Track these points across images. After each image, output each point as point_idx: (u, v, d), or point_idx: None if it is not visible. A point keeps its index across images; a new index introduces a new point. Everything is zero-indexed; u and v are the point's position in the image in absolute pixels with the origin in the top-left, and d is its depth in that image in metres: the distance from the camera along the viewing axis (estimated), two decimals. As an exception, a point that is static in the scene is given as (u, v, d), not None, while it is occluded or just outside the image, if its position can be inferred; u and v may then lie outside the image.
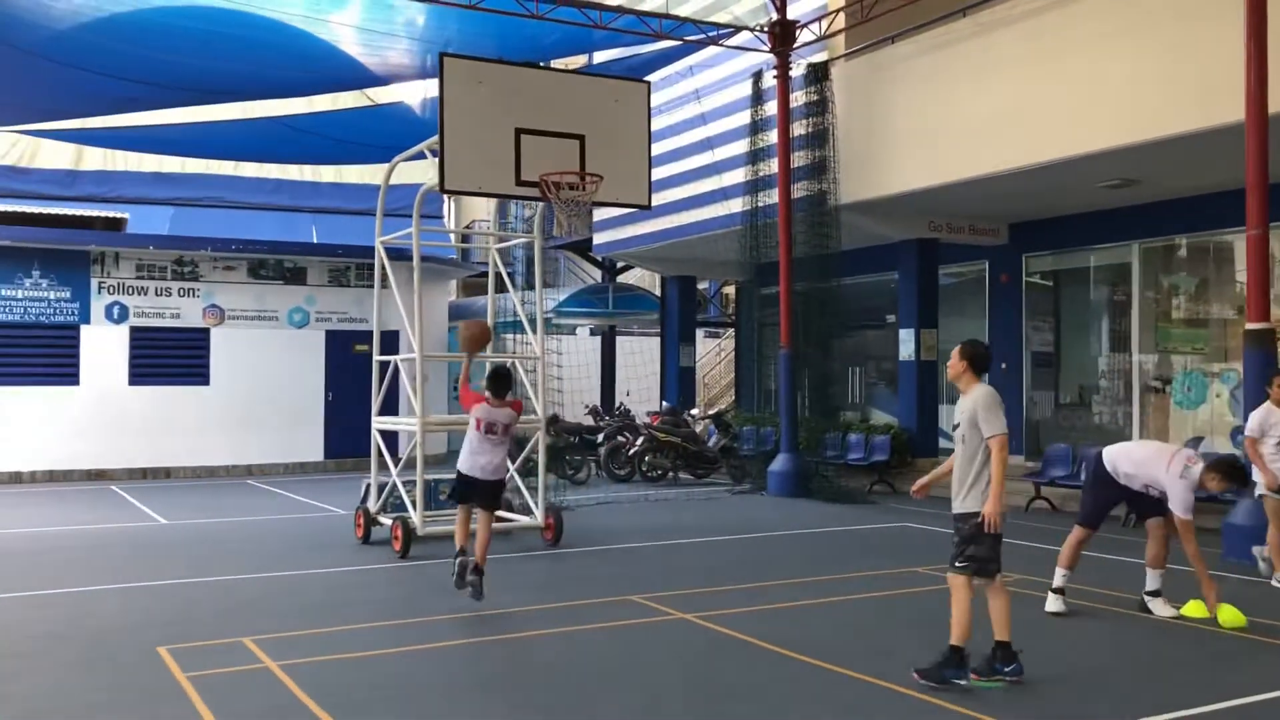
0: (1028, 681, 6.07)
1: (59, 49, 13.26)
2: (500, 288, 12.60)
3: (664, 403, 21.08)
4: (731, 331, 28.20)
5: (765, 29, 16.03)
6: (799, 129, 16.05)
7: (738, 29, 16.18)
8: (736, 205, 17.37)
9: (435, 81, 10.49)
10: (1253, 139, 10.00)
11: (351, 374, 19.59)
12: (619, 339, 26.85)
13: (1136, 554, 8.66)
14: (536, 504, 11.44)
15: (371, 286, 12.97)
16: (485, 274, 13.11)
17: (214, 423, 19.38)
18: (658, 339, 25.13)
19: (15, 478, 18.08)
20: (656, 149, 14.96)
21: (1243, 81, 9.99)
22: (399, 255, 14.53)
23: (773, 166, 16.39)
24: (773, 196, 16.38)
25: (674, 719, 5.65)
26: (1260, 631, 7.29)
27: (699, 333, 26.21)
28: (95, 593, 8.81)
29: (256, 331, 19.89)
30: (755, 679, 6.23)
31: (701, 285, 26.83)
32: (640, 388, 24.99)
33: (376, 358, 12.19)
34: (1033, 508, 13.98)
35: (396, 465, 11.49)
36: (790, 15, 15.97)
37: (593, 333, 27.96)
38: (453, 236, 25.52)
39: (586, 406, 20.32)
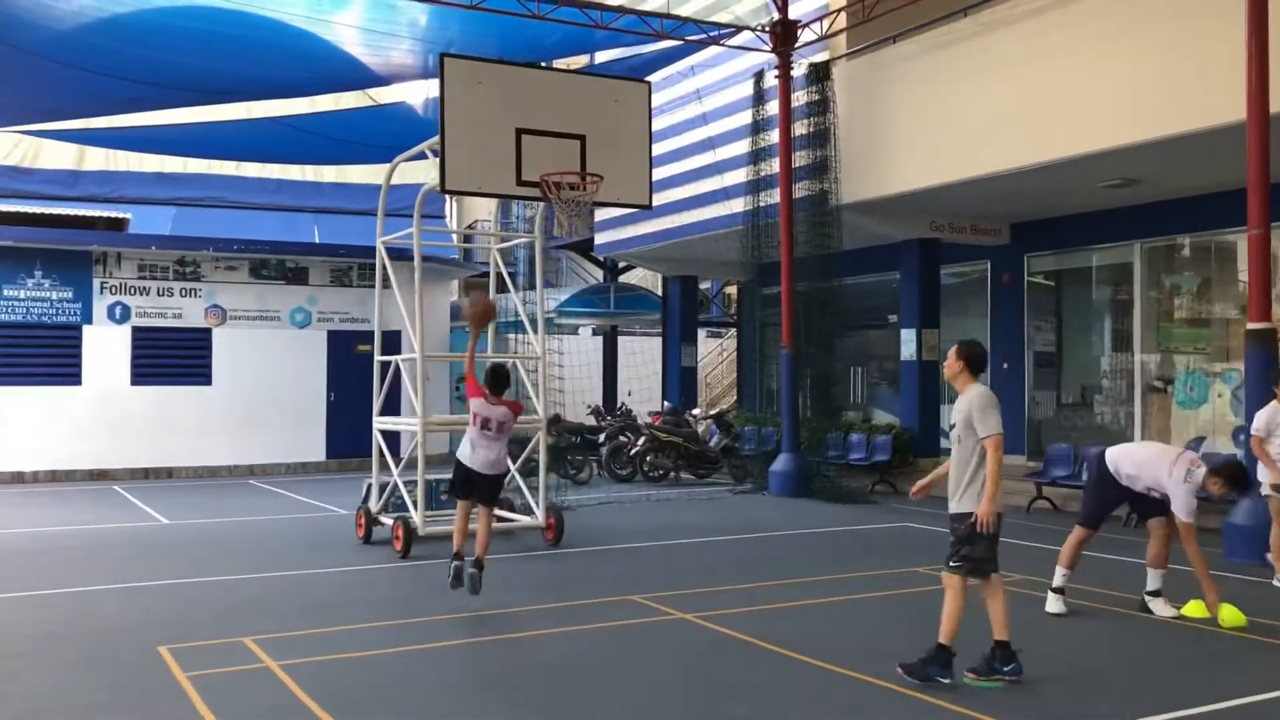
0: (1028, 681, 6.07)
1: (61, 49, 13.28)
2: (502, 288, 12.61)
3: (666, 403, 21.08)
4: (733, 331, 28.20)
5: (766, 29, 16.02)
6: (800, 129, 16.05)
7: (739, 29, 16.18)
8: (738, 205, 17.37)
9: (437, 81, 10.50)
10: (1254, 138, 9.99)
11: (353, 374, 19.60)
12: (621, 339, 26.86)
13: (1137, 554, 8.66)
14: (537, 504, 11.44)
15: (373, 286, 12.98)
16: (487, 274, 13.12)
17: (216, 423, 19.40)
18: (659, 339, 25.14)
19: (17, 478, 18.10)
20: (658, 149, 14.97)
21: (1244, 81, 9.98)
22: (400, 255, 14.54)
23: (774, 166, 16.39)
24: (774, 196, 16.38)
25: (674, 719, 5.65)
26: (1260, 631, 7.29)
27: (701, 332, 26.22)
28: (96, 593, 8.82)
29: (258, 331, 19.91)
30: (755, 679, 6.23)
31: (703, 285, 26.83)
32: (642, 388, 25.00)
33: (378, 358, 12.21)
34: (1034, 508, 13.97)
35: (398, 465, 11.50)
36: (791, 15, 15.96)
37: (595, 333, 27.97)
38: (454, 236, 25.50)
39: (588, 406, 20.33)
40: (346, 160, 22.44)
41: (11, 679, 6.27)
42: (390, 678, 6.26)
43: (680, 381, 22.50)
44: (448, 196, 21.92)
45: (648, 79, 13.40)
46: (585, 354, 22.84)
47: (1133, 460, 7.74)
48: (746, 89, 17.15)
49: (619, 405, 21.41)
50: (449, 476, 8.94)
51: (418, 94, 18.01)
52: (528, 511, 11.66)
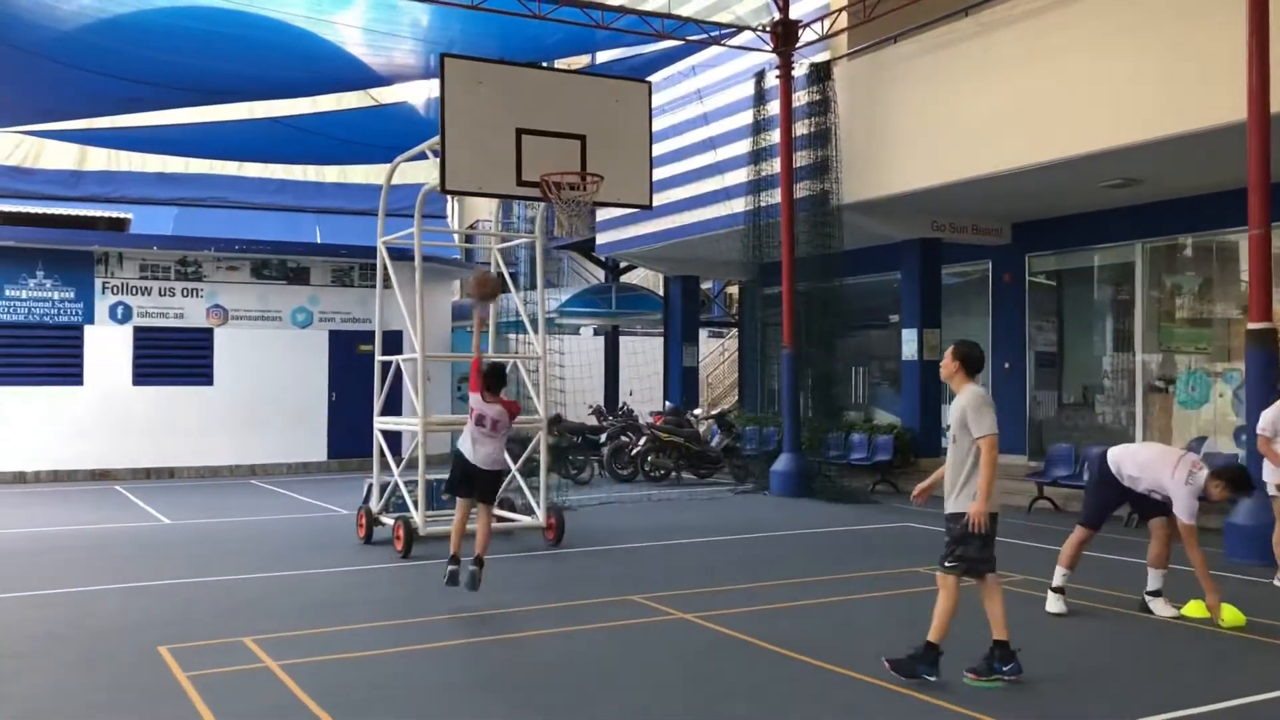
0: (1027, 681, 6.07)
1: (63, 50, 13.29)
2: (503, 288, 12.62)
3: (667, 403, 21.08)
4: (735, 331, 28.20)
5: (767, 29, 16.02)
6: (801, 129, 16.05)
7: (740, 29, 16.18)
8: (739, 205, 17.37)
9: (438, 81, 10.52)
10: (1254, 138, 9.98)
11: (355, 374, 19.60)
12: (622, 339, 26.87)
13: (1137, 554, 8.65)
14: (538, 504, 11.45)
15: (375, 287, 12.99)
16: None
17: (218, 423, 19.42)
18: (661, 339, 25.14)
19: (19, 478, 18.12)
20: (659, 149, 14.98)
21: (1244, 81, 9.97)
22: (401, 255, 14.54)
23: (775, 166, 16.39)
24: (775, 196, 16.37)
25: (674, 719, 5.65)
26: (1260, 631, 7.29)
27: (702, 333, 26.22)
28: (96, 593, 8.82)
29: (260, 332, 19.92)
30: (755, 679, 6.23)
31: (705, 285, 26.83)
32: (643, 388, 24.99)
33: (379, 358, 12.22)
34: (1035, 508, 13.96)
35: (399, 465, 11.51)
36: (792, 15, 15.96)
37: (596, 333, 27.97)
38: (456, 236, 25.51)
39: (590, 406, 20.34)
40: (348, 160, 22.45)
41: (11, 679, 6.27)
42: (390, 678, 6.27)
43: (682, 381, 22.51)
44: (449, 196, 21.94)
45: (649, 79, 13.40)
46: (587, 354, 22.82)
47: (1135, 461, 7.74)
48: (747, 89, 17.15)
49: (620, 405, 21.41)
50: (449, 475, 8.97)
51: (419, 94, 18.02)
52: (528, 511, 11.66)
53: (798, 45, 16.03)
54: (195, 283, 19.52)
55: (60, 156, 21.96)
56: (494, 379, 8.71)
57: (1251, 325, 10.24)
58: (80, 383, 18.63)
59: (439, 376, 20.78)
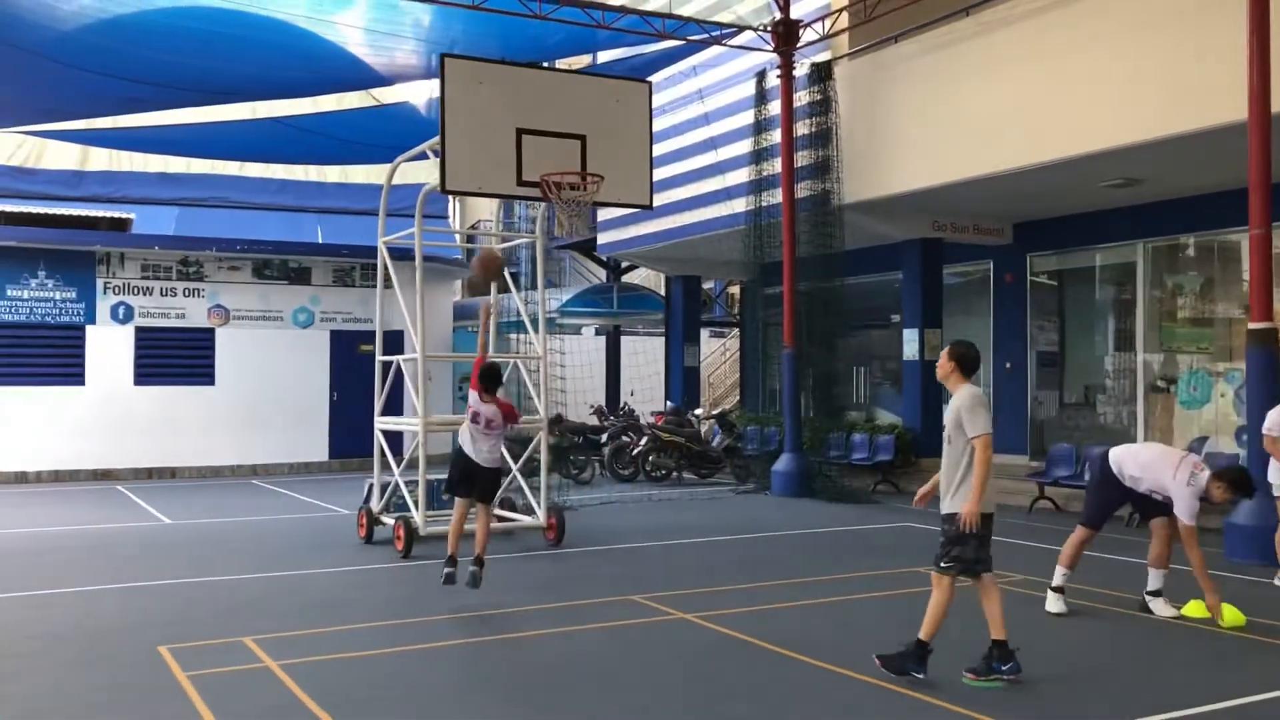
0: (1027, 681, 6.07)
1: (63, 50, 13.29)
2: (504, 288, 12.62)
3: (668, 402, 21.08)
4: (736, 331, 28.19)
5: (768, 28, 16.02)
6: (802, 128, 16.06)
7: (741, 29, 16.18)
8: (740, 205, 17.37)
9: (439, 81, 10.52)
10: (1255, 138, 9.98)
11: (356, 374, 19.62)
12: (624, 339, 26.86)
13: (1138, 554, 8.65)
14: (539, 504, 11.45)
15: (376, 286, 13.00)
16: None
17: (219, 423, 19.43)
18: (662, 339, 25.12)
19: (21, 477, 18.14)
20: (660, 149, 14.97)
21: (1244, 81, 9.97)
22: (402, 255, 14.54)
23: (776, 166, 16.39)
24: (776, 196, 16.37)
25: (674, 719, 5.66)
26: (1260, 631, 7.28)
27: (704, 332, 26.22)
28: (96, 592, 8.83)
29: (261, 331, 19.94)
30: (755, 679, 6.23)
31: (706, 285, 26.82)
32: (645, 388, 24.99)
33: (380, 358, 12.23)
34: (1036, 508, 13.96)
35: (399, 465, 11.51)
36: (793, 15, 15.96)
37: (597, 333, 27.96)
38: (456, 236, 25.52)
39: (591, 406, 20.34)
40: (349, 160, 22.42)
41: (11, 679, 6.28)
42: (390, 678, 6.27)
43: (683, 381, 22.50)
44: (450, 197, 21.94)
45: (649, 79, 13.39)
46: (588, 354, 22.82)
47: (1136, 462, 7.73)
48: (748, 89, 17.15)
49: (621, 405, 21.40)
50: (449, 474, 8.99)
51: (421, 94, 18.00)
52: (529, 511, 11.67)
53: (799, 45, 16.02)
54: (197, 283, 19.54)
55: (62, 157, 21.94)
56: (489, 379, 8.79)
57: (1252, 325, 10.23)
58: (82, 383, 18.65)
59: (440, 376, 20.79)
